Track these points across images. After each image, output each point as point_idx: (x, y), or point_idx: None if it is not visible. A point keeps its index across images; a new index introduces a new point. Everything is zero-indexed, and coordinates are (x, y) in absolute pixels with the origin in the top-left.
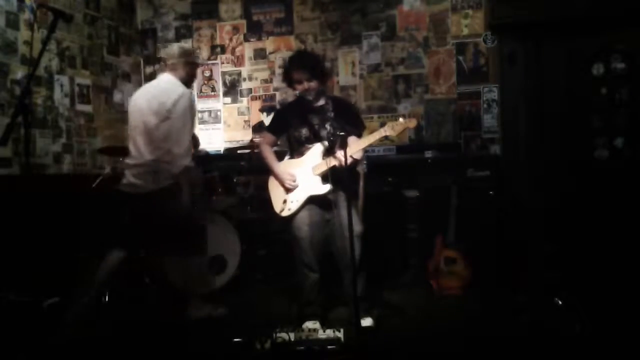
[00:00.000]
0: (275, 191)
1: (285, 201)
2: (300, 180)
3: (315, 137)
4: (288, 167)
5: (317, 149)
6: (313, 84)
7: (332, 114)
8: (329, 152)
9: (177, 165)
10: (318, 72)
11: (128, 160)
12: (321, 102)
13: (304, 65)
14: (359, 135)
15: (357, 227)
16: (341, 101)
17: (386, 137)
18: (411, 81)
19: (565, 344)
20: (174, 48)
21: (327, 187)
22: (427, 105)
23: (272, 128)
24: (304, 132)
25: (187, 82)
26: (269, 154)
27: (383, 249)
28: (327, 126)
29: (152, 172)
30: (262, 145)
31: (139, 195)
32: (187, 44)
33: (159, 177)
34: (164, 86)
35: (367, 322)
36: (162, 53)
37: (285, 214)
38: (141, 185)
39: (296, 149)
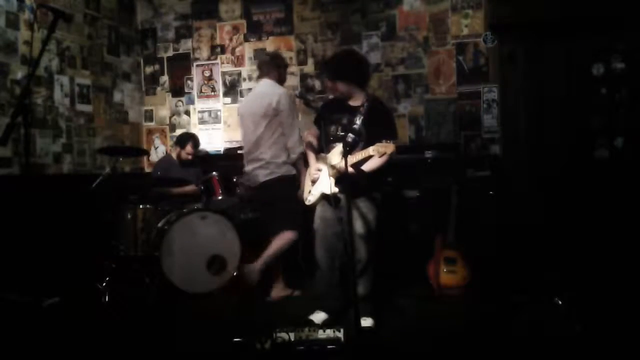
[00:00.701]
0: (307, 181)
1: (310, 192)
2: (322, 176)
3: (340, 137)
4: (319, 161)
5: (338, 149)
6: (332, 84)
7: (360, 117)
8: (342, 155)
9: (294, 152)
10: (340, 74)
11: (246, 157)
12: (357, 102)
13: (328, 65)
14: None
15: (361, 229)
16: (376, 105)
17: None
18: (411, 81)
19: (565, 344)
20: (265, 55)
21: (333, 189)
22: (427, 105)
23: (316, 122)
24: (332, 129)
25: (280, 82)
26: (309, 146)
27: (383, 249)
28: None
29: (265, 165)
30: (307, 137)
31: (257, 186)
32: (184, 42)
33: (271, 169)
34: (264, 89)
35: (367, 322)
36: (257, 61)
37: (306, 203)
38: (257, 177)
39: (327, 145)
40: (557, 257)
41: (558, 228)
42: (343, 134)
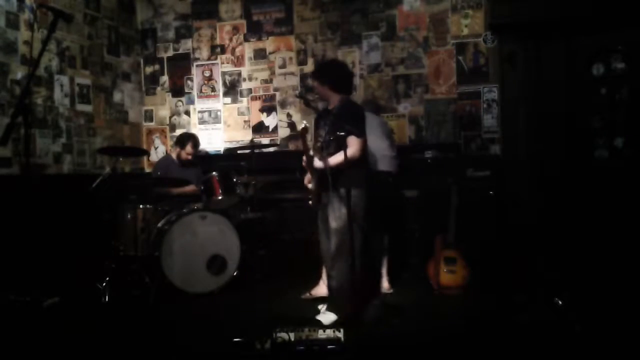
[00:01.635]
0: None
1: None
2: (311, 178)
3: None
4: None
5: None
6: (314, 86)
7: (332, 118)
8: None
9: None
10: (317, 76)
11: None
12: (332, 106)
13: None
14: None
15: (333, 224)
16: (347, 105)
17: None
18: (411, 81)
19: (565, 344)
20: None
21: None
22: (427, 105)
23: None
24: (316, 133)
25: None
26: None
27: (383, 249)
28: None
29: None
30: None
31: None
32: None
33: None
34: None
35: (329, 317)
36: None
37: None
38: None
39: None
40: (557, 257)
41: (558, 228)
42: (322, 136)
